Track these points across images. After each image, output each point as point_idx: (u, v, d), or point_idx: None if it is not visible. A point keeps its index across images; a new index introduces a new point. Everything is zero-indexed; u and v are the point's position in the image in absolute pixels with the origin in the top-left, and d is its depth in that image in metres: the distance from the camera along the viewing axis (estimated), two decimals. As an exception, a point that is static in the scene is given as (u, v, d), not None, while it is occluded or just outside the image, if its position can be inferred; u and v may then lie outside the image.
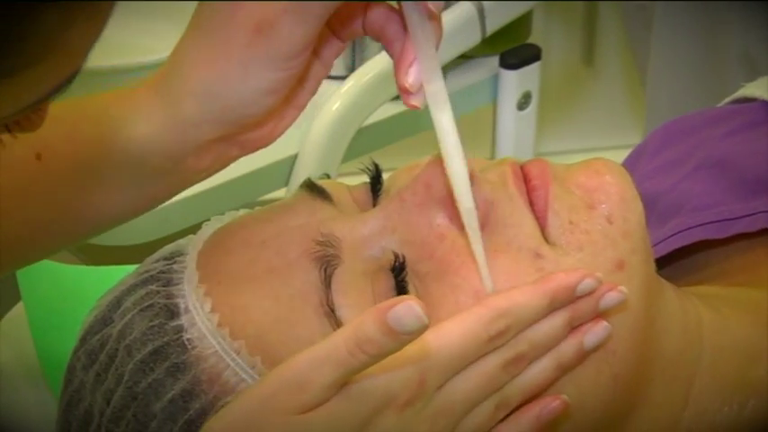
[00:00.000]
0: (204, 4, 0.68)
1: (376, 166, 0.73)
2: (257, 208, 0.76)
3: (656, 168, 0.98)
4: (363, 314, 0.59)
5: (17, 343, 1.04)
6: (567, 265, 0.67)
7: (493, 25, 1.42)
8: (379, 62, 1.36)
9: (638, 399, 0.71)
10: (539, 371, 0.66)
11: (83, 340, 0.73)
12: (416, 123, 1.45)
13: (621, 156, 1.04)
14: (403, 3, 0.64)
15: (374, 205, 0.72)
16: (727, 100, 1.03)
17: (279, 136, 0.73)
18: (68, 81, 0.49)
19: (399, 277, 0.68)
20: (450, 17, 1.39)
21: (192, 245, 0.73)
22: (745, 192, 0.88)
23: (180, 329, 0.69)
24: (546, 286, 0.65)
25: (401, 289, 0.68)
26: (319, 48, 0.70)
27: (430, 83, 0.65)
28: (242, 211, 0.76)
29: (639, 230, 0.70)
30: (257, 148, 0.73)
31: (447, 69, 1.46)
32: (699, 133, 0.98)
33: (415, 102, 0.66)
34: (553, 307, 0.65)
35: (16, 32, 0.44)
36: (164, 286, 0.71)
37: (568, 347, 0.66)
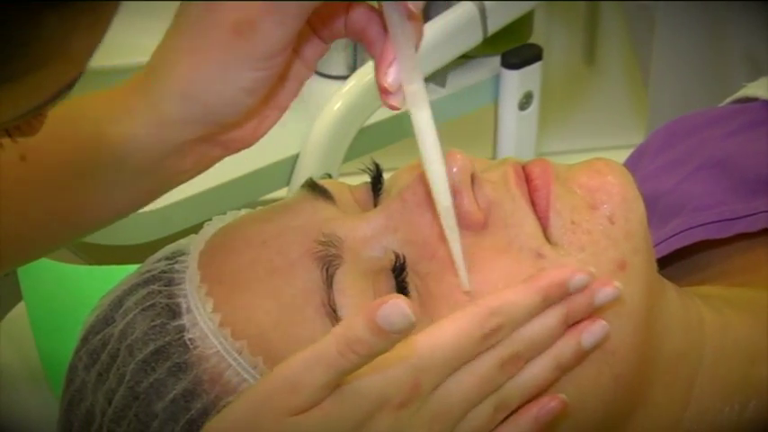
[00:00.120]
0: (185, 5, 0.68)
1: (377, 165, 0.73)
2: (259, 208, 0.76)
3: (658, 168, 0.98)
4: (353, 314, 0.59)
5: (19, 343, 1.04)
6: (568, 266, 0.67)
7: (494, 25, 1.42)
8: (380, 62, 1.36)
9: (639, 399, 0.71)
10: (537, 371, 0.65)
11: (84, 340, 0.73)
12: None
13: (623, 156, 1.04)
14: (383, 2, 0.64)
15: (375, 205, 0.72)
16: (729, 100, 1.03)
17: (261, 137, 0.72)
18: (70, 86, 0.49)
19: (400, 278, 0.68)
20: (451, 17, 1.39)
21: (194, 244, 0.73)
22: (747, 192, 0.88)
23: (182, 329, 0.69)
24: (538, 283, 0.65)
25: (402, 289, 0.68)
26: (301, 48, 0.70)
27: (409, 83, 0.65)
28: (243, 211, 0.76)
29: (641, 231, 0.70)
30: (240, 149, 0.73)
31: (448, 69, 1.46)
32: (700, 133, 0.98)
33: (394, 102, 0.66)
34: (547, 304, 0.65)
35: (18, 37, 0.44)
36: (165, 286, 0.71)
37: (566, 347, 0.66)
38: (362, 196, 0.73)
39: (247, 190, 1.31)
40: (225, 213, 0.77)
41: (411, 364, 0.62)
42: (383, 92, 0.66)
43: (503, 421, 0.65)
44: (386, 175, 0.74)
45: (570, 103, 2.40)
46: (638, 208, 0.70)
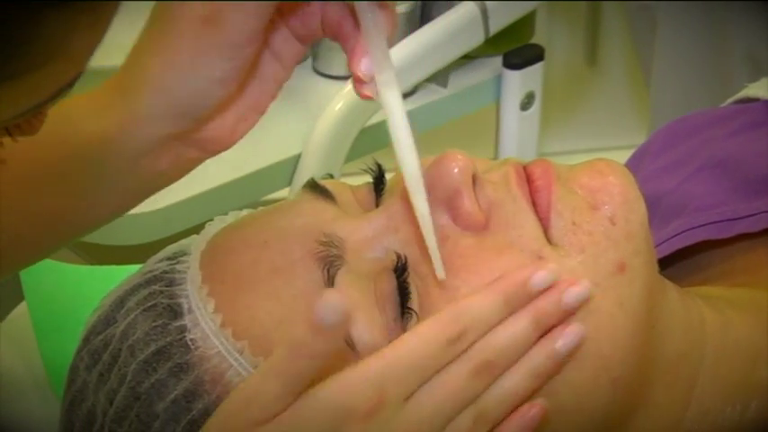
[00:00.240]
0: (160, 3, 0.69)
1: (379, 166, 0.73)
2: (260, 208, 0.76)
3: (660, 169, 0.97)
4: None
5: (20, 343, 1.04)
6: (568, 267, 0.67)
7: (496, 25, 1.42)
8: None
9: (639, 400, 0.71)
10: (515, 380, 0.64)
11: (86, 340, 0.73)
12: (418, 124, 1.45)
13: (625, 156, 1.04)
14: None
15: (377, 205, 0.72)
16: (730, 100, 1.03)
17: (239, 139, 0.72)
18: (70, 85, 0.49)
19: (401, 278, 0.68)
20: (453, 17, 1.39)
21: (195, 245, 0.73)
22: (748, 192, 0.88)
23: (183, 330, 0.69)
24: (498, 285, 0.64)
25: (403, 290, 0.67)
26: (278, 48, 0.70)
27: (381, 73, 0.65)
28: (245, 211, 0.76)
29: (642, 231, 0.70)
30: (217, 151, 0.72)
31: (450, 70, 1.46)
32: (702, 133, 0.98)
33: (368, 91, 0.66)
34: (511, 306, 0.64)
35: (19, 36, 0.44)
36: (167, 286, 0.71)
37: (540, 354, 0.64)
38: (364, 197, 0.73)
39: (249, 190, 1.31)
40: (226, 214, 0.77)
41: (373, 372, 0.61)
42: (356, 81, 0.66)
43: None
44: (388, 176, 0.74)
45: (572, 104, 2.40)
46: (640, 209, 0.70)
